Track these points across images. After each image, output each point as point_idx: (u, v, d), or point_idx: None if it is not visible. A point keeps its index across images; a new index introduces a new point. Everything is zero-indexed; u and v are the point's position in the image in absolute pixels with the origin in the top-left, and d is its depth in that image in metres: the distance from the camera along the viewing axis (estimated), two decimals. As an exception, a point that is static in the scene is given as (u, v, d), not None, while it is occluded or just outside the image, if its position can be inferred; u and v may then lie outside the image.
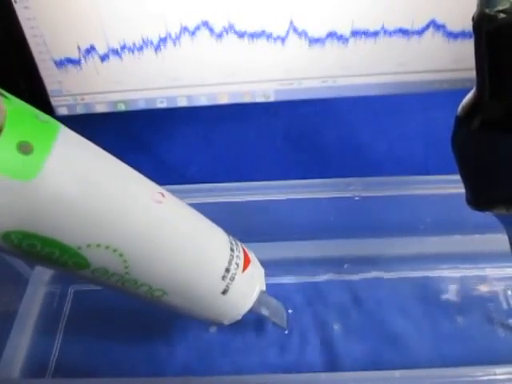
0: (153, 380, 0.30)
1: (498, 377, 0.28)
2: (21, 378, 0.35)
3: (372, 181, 0.39)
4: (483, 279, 0.39)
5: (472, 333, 0.36)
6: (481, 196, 0.26)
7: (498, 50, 0.21)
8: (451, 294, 0.39)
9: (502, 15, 0.20)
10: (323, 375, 0.29)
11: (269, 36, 0.35)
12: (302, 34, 0.35)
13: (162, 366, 0.36)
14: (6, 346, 0.36)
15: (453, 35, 0.35)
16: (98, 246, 0.23)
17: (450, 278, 0.40)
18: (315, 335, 0.37)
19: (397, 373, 0.28)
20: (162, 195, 0.26)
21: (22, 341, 0.37)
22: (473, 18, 0.21)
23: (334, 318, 0.37)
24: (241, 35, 0.35)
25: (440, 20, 0.35)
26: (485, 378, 0.28)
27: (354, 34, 0.35)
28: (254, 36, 0.35)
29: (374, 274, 0.40)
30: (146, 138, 0.49)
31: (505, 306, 0.38)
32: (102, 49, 0.35)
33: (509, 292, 0.38)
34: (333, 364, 0.35)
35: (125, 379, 0.31)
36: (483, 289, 0.39)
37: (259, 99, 0.39)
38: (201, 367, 0.35)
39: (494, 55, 0.21)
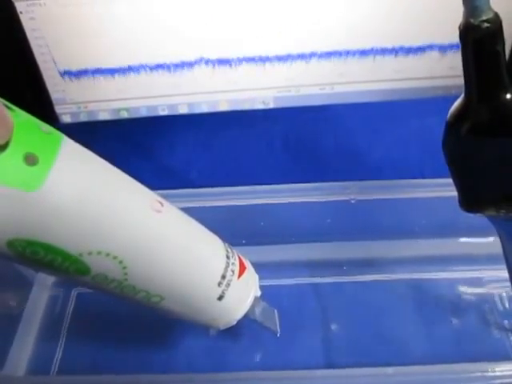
0: (154, 376, 0.31)
1: (490, 373, 0.28)
2: (25, 376, 0.36)
3: (368, 184, 0.39)
4: (478, 281, 0.40)
5: (467, 334, 0.36)
6: (471, 198, 0.27)
7: (483, 58, 0.22)
8: (446, 295, 0.39)
9: (486, 25, 0.21)
10: (318, 372, 0.29)
11: (269, 58, 0.36)
12: (300, 44, 0.36)
13: (164, 367, 0.36)
14: (12, 347, 0.37)
15: (446, 47, 0.36)
16: (99, 253, 0.23)
17: (446, 279, 0.40)
18: (312, 336, 0.37)
19: (390, 369, 0.28)
20: (161, 204, 0.26)
21: (26, 342, 0.38)
22: (459, 28, 0.22)
23: (332, 319, 0.38)
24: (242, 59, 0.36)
25: (436, 40, 0.35)
26: (478, 374, 0.28)
27: (352, 52, 0.36)
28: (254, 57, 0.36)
29: (369, 276, 0.40)
30: (148, 144, 0.49)
31: (500, 307, 0.38)
32: (105, 58, 0.36)
33: (503, 293, 0.38)
34: (329, 364, 0.35)
35: (126, 376, 0.31)
36: (478, 290, 0.39)
37: (258, 106, 0.40)
38: (201, 367, 0.36)
39: (480, 62, 0.22)
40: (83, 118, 0.40)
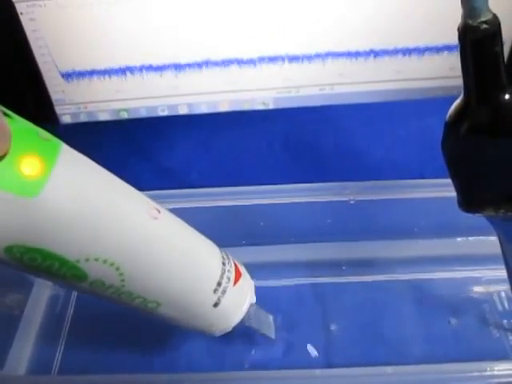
0: (154, 376, 0.31)
1: (489, 373, 0.28)
2: (26, 375, 0.36)
3: (367, 184, 0.39)
4: (477, 281, 0.40)
5: (466, 334, 0.36)
6: (470, 198, 0.27)
7: (482, 58, 0.22)
8: (446, 295, 0.39)
9: (484, 26, 0.21)
10: (318, 371, 0.29)
11: (269, 59, 0.36)
12: (300, 43, 0.36)
13: (164, 367, 0.36)
14: (12, 346, 0.37)
15: (447, 48, 0.36)
16: (96, 259, 0.23)
17: (445, 279, 0.40)
18: (312, 336, 0.37)
19: (389, 369, 0.28)
20: (158, 211, 0.26)
21: (27, 342, 0.38)
22: (458, 29, 0.22)
23: (331, 320, 0.38)
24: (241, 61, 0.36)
25: (436, 41, 0.36)
26: (477, 373, 0.28)
27: (352, 53, 0.36)
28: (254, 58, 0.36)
29: (369, 276, 0.40)
30: (148, 145, 0.49)
31: (499, 307, 0.38)
32: (105, 59, 0.36)
33: (502, 293, 0.38)
34: (329, 364, 0.35)
35: (126, 375, 0.31)
36: (477, 290, 0.39)
37: (258, 107, 0.40)
38: (201, 367, 0.36)
39: (479, 63, 0.22)
40: (83, 118, 0.40)
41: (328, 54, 0.36)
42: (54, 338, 0.38)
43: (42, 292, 0.41)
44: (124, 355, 0.37)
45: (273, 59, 0.36)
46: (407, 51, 0.36)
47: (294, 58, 0.36)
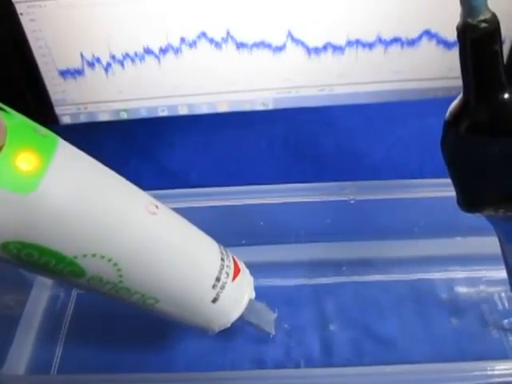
0: (154, 375, 0.31)
1: (489, 372, 0.28)
2: (25, 375, 0.36)
3: (367, 184, 0.39)
4: (477, 281, 0.40)
5: (466, 334, 0.36)
6: (470, 198, 0.27)
7: (481, 57, 0.22)
8: (446, 295, 0.39)
9: (483, 25, 0.21)
10: (317, 370, 0.29)
11: (267, 46, 0.36)
12: (300, 44, 0.36)
13: (163, 367, 0.36)
14: (12, 346, 0.37)
15: (446, 44, 0.36)
16: (94, 255, 0.23)
17: (445, 279, 0.40)
18: (311, 336, 0.37)
19: (388, 368, 0.28)
20: (156, 207, 0.27)
21: (26, 342, 0.38)
22: (457, 28, 0.22)
23: (331, 319, 0.38)
24: (240, 45, 0.36)
25: (433, 29, 0.36)
26: (477, 373, 0.28)
27: (350, 44, 0.36)
28: (252, 46, 0.36)
29: (369, 276, 0.40)
30: (148, 145, 0.50)
31: (499, 307, 0.38)
32: (105, 59, 0.36)
33: (502, 293, 0.38)
34: (328, 364, 0.35)
35: (126, 375, 0.31)
36: (477, 290, 0.39)
37: (258, 107, 0.40)
38: (201, 367, 0.36)
39: (478, 62, 0.22)
40: (83, 119, 0.40)
41: (328, 55, 0.36)
42: (54, 338, 0.38)
43: (42, 292, 0.41)
44: (123, 354, 0.37)
45: (273, 60, 0.36)
46: (406, 51, 0.36)
47: (294, 59, 0.36)
